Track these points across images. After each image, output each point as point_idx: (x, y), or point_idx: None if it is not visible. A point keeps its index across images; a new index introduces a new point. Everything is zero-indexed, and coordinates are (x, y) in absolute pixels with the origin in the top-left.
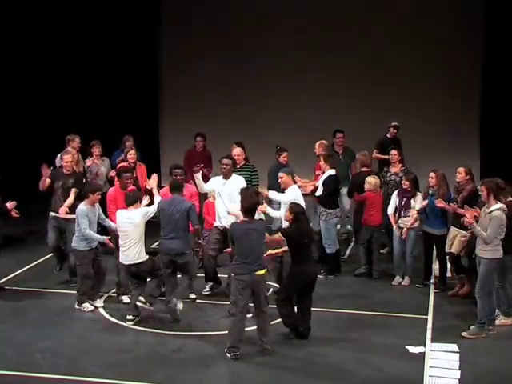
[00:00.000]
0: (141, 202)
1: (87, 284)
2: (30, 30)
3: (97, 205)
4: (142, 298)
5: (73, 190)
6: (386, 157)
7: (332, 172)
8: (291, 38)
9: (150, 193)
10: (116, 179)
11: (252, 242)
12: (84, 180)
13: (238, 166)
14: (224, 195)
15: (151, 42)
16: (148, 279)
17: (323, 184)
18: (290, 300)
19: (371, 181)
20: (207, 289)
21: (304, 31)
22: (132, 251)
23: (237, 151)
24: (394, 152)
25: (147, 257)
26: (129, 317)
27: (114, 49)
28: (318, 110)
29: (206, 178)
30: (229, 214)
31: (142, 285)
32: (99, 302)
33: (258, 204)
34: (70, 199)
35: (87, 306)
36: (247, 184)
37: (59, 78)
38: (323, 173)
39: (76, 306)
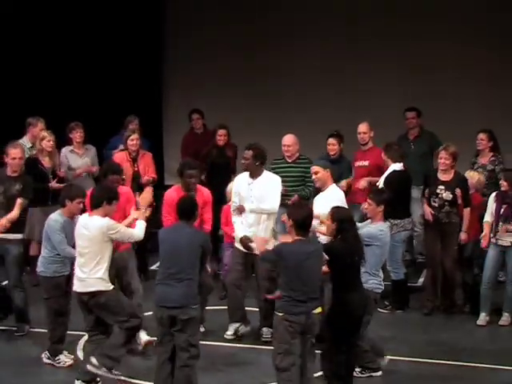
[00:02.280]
0: (110, 203)
1: (62, 323)
2: (29, 31)
3: (78, 218)
4: (94, 360)
5: (18, 200)
6: None
7: (396, 167)
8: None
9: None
10: None
11: (309, 271)
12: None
13: (290, 161)
14: (250, 201)
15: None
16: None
17: (385, 184)
18: (342, 346)
19: (480, 178)
20: (231, 332)
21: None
22: (85, 273)
23: (289, 140)
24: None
25: (110, 287)
26: (77, 382)
27: (112, 26)
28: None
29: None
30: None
31: (100, 334)
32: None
33: (311, 216)
34: (14, 213)
35: (63, 360)
36: (300, 185)
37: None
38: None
39: (45, 360)
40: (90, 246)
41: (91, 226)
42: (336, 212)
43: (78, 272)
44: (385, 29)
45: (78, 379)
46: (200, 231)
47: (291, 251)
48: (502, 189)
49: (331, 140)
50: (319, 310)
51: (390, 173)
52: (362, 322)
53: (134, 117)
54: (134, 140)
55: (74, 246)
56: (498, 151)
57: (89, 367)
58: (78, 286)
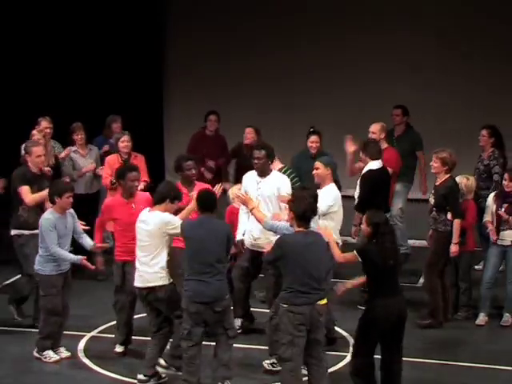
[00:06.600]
0: (173, 202)
1: (54, 322)
2: (27, 30)
3: (70, 212)
4: (162, 362)
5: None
6: None
7: (373, 165)
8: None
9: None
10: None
11: (312, 261)
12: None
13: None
14: (260, 200)
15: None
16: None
17: (361, 182)
18: (371, 353)
19: (465, 182)
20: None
21: None
22: (145, 268)
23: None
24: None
25: (168, 281)
26: (139, 376)
27: (114, 26)
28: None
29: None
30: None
31: (163, 333)
32: (63, 351)
33: (315, 208)
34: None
35: (50, 355)
36: None
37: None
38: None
39: (35, 354)
40: (149, 240)
41: (151, 220)
42: (372, 216)
43: (137, 266)
44: (385, 27)
45: (140, 373)
46: (224, 222)
47: (291, 242)
48: (508, 189)
49: (314, 137)
50: (324, 301)
51: (367, 171)
52: (398, 329)
53: (117, 116)
54: (124, 142)
55: (75, 242)
56: (500, 148)
57: (158, 368)
58: (137, 281)
